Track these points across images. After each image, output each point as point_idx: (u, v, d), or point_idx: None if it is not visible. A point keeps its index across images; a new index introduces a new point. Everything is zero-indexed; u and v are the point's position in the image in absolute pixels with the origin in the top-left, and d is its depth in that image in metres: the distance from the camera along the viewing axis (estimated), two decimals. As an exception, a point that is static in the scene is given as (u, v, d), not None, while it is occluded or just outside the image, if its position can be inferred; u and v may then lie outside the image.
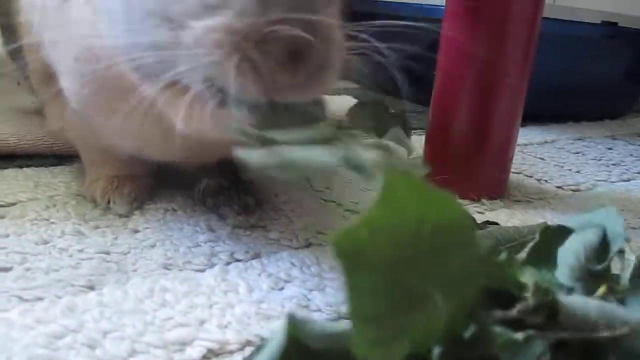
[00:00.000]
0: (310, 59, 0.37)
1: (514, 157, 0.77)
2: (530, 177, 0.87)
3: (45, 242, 0.52)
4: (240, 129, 0.35)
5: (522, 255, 0.38)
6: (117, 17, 0.40)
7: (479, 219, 0.62)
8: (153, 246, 0.53)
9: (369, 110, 0.52)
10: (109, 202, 0.60)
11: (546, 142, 1.11)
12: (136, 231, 0.56)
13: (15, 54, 0.71)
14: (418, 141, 1.02)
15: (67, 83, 0.53)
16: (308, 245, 0.56)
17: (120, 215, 0.59)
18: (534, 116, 1.17)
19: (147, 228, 0.57)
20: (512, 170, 0.79)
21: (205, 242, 0.55)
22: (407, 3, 1.15)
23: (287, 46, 0.36)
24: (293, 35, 0.36)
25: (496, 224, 0.51)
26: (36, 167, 0.72)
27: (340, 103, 1.05)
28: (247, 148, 0.32)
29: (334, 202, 0.68)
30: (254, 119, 0.37)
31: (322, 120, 0.40)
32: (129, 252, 0.52)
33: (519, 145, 0.89)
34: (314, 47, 0.37)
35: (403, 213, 0.24)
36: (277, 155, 0.32)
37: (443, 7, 0.71)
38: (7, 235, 0.53)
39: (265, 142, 0.33)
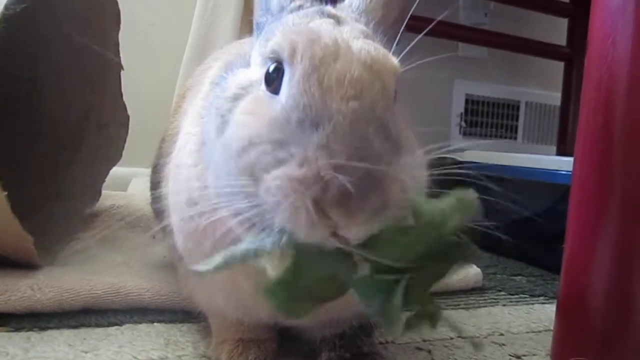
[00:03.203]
0: (367, 201, 0.39)
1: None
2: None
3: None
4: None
5: None
6: (221, 174, 0.48)
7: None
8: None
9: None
10: (234, 366, 0.62)
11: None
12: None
13: (159, 213, 0.79)
14: (541, 309, 0.96)
15: (176, 229, 0.59)
16: None
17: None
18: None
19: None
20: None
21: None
22: (535, 169, 1.12)
23: (340, 190, 0.38)
24: (343, 183, 0.38)
25: None
26: (166, 322, 0.77)
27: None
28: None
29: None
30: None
31: None
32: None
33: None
34: (368, 192, 0.39)
35: None
36: None
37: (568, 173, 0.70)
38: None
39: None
